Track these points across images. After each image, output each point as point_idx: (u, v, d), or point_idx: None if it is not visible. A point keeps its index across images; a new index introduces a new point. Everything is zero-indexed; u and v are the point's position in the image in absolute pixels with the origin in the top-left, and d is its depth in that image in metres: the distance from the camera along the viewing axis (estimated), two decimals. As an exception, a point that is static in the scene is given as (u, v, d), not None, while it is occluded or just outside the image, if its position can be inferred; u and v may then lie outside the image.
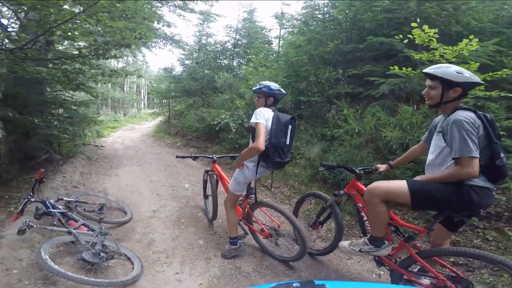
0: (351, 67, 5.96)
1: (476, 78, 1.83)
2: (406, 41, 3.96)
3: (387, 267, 2.30)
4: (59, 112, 6.69)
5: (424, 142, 2.31)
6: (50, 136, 5.81)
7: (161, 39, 11.26)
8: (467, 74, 1.81)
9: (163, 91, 15.25)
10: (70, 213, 3.23)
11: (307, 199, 3.57)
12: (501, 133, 3.42)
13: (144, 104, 32.78)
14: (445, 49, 3.64)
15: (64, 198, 3.66)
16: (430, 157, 2.00)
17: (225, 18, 12.18)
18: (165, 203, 4.52)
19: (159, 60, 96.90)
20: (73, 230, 2.79)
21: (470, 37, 3.44)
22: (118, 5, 4.18)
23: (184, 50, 12.90)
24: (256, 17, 13.25)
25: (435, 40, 3.65)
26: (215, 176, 3.59)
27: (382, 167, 2.57)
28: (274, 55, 10.37)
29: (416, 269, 2.22)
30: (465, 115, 1.75)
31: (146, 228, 3.63)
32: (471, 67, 3.59)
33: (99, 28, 4.56)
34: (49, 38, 4.30)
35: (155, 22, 8.12)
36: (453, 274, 2.06)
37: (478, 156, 1.71)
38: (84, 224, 3.04)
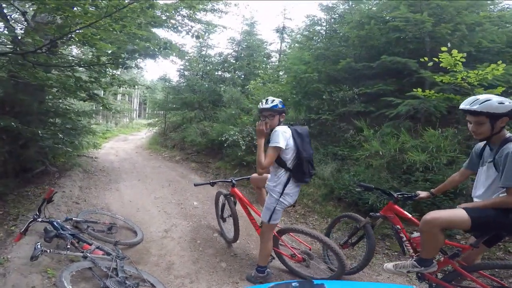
0: (360, 85, 6.02)
1: None
2: (431, 63, 4.01)
3: (427, 281, 2.37)
4: (58, 122, 6.49)
5: (466, 169, 2.43)
6: (48, 147, 5.60)
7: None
8: (507, 103, 1.90)
9: (160, 102, 15.14)
10: (82, 235, 3.06)
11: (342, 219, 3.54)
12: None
13: (136, 114, 32.43)
14: (469, 72, 3.71)
15: (73, 218, 3.49)
16: (480, 187, 2.11)
17: (226, 29, 12.34)
18: (175, 222, 4.37)
19: (153, 69, 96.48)
20: (89, 255, 2.63)
21: (498, 62, 3.52)
22: (148, 10, 4.04)
23: (186, 61, 12.91)
24: (257, 30, 13.46)
25: (461, 64, 3.72)
26: (232, 198, 3.49)
27: (423, 193, 2.66)
28: (272, 70, 10.46)
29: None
30: None
31: (161, 249, 3.47)
32: (496, 91, 3.67)
33: (122, 35, 4.43)
34: (67, 42, 4.17)
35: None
36: (499, 285, 2.24)
37: None
38: (98, 247, 2.87)
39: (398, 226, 2.62)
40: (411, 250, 2.49)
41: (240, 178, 3.60)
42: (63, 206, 4.47)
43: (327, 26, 7.52)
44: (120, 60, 4.67)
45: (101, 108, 6.72)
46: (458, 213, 1.98)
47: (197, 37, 5.28)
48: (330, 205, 4.92)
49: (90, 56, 5.64)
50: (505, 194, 1.90)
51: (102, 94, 6.87)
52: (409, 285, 2.94)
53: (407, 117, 5.08)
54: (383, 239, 3.86)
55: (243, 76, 12.30)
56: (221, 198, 3.79)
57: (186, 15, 7.47)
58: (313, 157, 2.82)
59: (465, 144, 4.08)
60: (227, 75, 12.86)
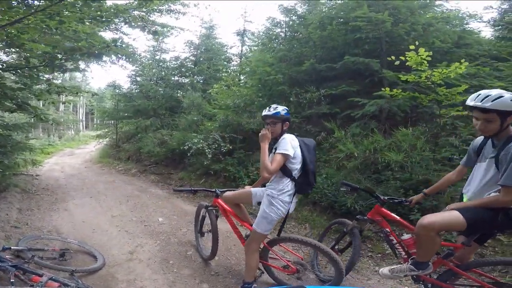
0: (323, 87, 6.15)
1: None
2: (397, 62, 4.18)
3: (422, 282, 2.39)
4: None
5: (464, 166, 2.42)
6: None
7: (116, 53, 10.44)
8: None
9: (110, 110, 14.11)
10: (27, 266, 2.57)
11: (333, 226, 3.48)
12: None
13: (83, 125, 29.94)
14: (434, 71, 3.93)
15: (12, 247, 2.96)
16: (475, 183, 2.11)
17: (183, 31, 11.96)
18: (141, 242, 3.96)
19: (101, 76, 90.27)
20: (42, 289, 2.19)
21: (461, 60, 3.77)
22: (93, 3, 3.55)
23: (138, 66, 12.20)
24: (217, 33, 13.28)
25: (426, 62, 3.92)
26: (215, 211, 3.27)
27: (416, 197, 2.66)
28: (234, 73, 10.36)
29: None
30: None
31: (128, 274, 3.08)
32: (459, 89, 3.93)
33: (58, 32, 3.87)
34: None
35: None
36: (492, 281, 2.27)
37: None
38: (52, 279, 2.42)
39: (387, 229, 2.61)
40: (403, 253, 2.49)
41: (226, 189, 3.36)
42: (0, 232, 3.80)
43: (286, 29, 7.59)
44: (56, 62, 4.12)
45: (33, 119, 5.88)
46: (454, 216, 1.99)
47: (155, 33, 4.89)
48: (306, 210, 4.88)
49: (16, 58, 4.88)
50: (498, 193, 1.93)
51: (41, 104, 6.02)
52: None
53: (372, 117, 5.27)
54: (365, 241, 3.87)
55: (202, 80, 11.98)
56: (202, 211, 3.53)
57: (138, 16, 7.00)
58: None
59: (433, 142, 4.30)
60: (185, 80, 12.42)
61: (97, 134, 14.62)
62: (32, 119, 5.87)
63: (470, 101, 1.96)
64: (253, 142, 6.79)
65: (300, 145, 2.52)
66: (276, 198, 2.51)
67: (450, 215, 2.02)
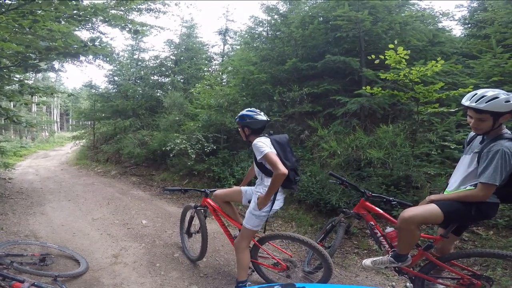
0: (305, 85, 6.25)
1: None
2: (377, 61, 4.32)
3: (407, 275, 2.51)
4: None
5: None
6: None
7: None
8: None
9: (86, 111, 13.71)
10: (6, 272, 2.50)
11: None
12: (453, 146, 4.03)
13: (57, 127, 28.78)
14: (412, 69, 4.10)
15: (-12, 254, 2.85)
16: (458, 174, 2.24)
17: (163, 31, 11.73)
18: (125, 245, 3.91)
19: (76, 76, 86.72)
20: (24, 296, 2.15)
21: (438, 58, 3.95)
22: (70, 2, 3.44)
23: (116, 65, 11.90)
24: (198, 32, 13.15)
25: (404, 61, 4.08)
26: (203, 211, 3.28)
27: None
28: (216, 72, 10.33)
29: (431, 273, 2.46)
30: (510, 147, 1.94)
31: (114, 278, 3.06)
32: (436, 87, 4.12)
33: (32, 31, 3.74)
34: None
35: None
36: (471, 273, 2.39)
37: (497, 184, 1.96)
38: (34, 284, 2.37)
39: (372, 223, 2.72)
40: (387, 246, 2.60)
41: (215, 189, 3.37)
42: (-28, 240, 3.66)
43: (269, 27, 7.65)
44: (29, 61, 3.99)
45: (3, 121, 5.66)
46: (433, 209, 2.12)
47: (135, 32, 4.79)
48: (292, 208, 4.96)
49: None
50: (474, 187, 2.06)
51: (11, 106, 5.78)
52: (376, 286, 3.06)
53: (353, 115, 5.43)
54: (351, 238, 3.99)
55: (183, 80, 11.84)
56: (190, 211, 3.53)
57: (118, 15, 6.83)
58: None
59: (412, 138, 4.49)
60: (166, 79, 12.24)
61: (74, 136, 14.17)
62: (4, 121, 5.63)
63: (465, 101, 2.05)
64: (237, 141, 6.82)
65: (272, 144, 2.56)
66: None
67: (429, 208, 2.14)
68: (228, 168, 6.26)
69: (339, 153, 4.60)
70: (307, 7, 7.24)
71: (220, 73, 10.01)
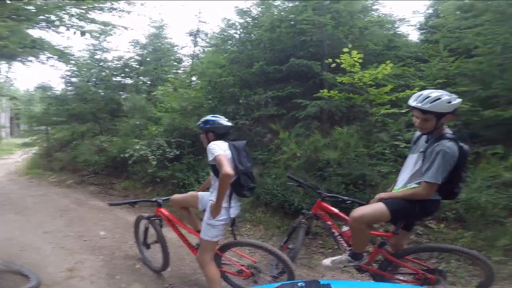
0: (271, 89, 6.37)
1: (459, 100, 2.12)
2: (334, 65, 4.50)
3: (367, 273, 2.61)
4: None
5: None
6: None
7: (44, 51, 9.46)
8: (455, 101, 2.09)
9: (39, 115, 12.79)
10: None
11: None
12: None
13: (7, 132, 26.48)
14: (365, 72, 4.33)
15: None
16: (405, 173, 2.37)
17: (127, 30, 11.20)
18: (81, 258, 3.72)
19: (28, 76, 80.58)
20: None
21: (387, 62, 4.20)
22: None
23: (74, 66, 11.23)
24: (167, 33, 12.82)
25: (358, 64, 4.29)
26: (158, 221, 3.21)
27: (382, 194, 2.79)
28: (185, 74, 10.16)
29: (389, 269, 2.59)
30: (451, 147, 2.08)
31: (70, 294, 2.88)
32: (386, 89, 4.38)
33: None
34: None
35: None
36: (425, 268, 2.53)
37: (439, 183, 2.09)
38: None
39: (329, 223, 2.80)
40: (345, 244, 2.70)
41: (166, 197, 3.29)
42: None
43: (241, 30, 7.68)
44: None
45: None
46: (380, 208, 2.24)
47: (83, 33, 4.58)
48: (259, 211, 5.00)
49: None
50: (418, 186, 2.19)
51: None
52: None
53: (314, 118, 5.61)
54: (315, 238, 4.10)
55: (149, 82, 11.49)
56: (143, 222, 3.42)
57: (75, 13, 6.50)
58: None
59: (366, 139, 4.73)
60: (129, 81, 11.78)
61: (24, 142, 13.16)
62: None
63: (412, 101, 2.17)
64: (202, 146, 6.72)
65: (229, 147, 2.57)
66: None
67: (377, 207, 2.26)
68: (194, 174, 6.16)
69: (299, 155, 4.73)
70: (277, 11, 7.40)
71: (189, 75, 9.85)
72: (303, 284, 1.12)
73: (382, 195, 2.35)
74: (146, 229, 3.41)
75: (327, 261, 2.58)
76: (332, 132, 5.01)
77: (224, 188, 2.42)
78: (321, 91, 4.94)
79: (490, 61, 4.19)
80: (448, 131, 2.23)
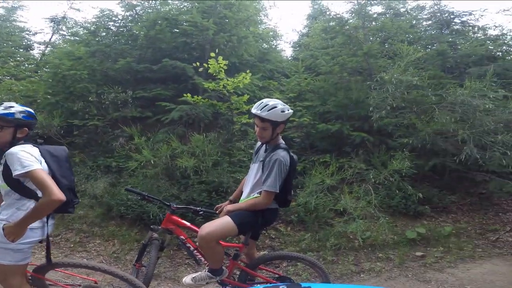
0: (140, 88, 5.93)
1: (291, 110, 2.25)
2: (201, 69, 4.42)
3: (230, 286, 2.50)
4: None
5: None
6: None
7: None
8: (287, 111, 2.19)
9: None
10: None
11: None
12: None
13: None
14: (228, 80, 4.37)
15: None
16: (249, 183, 2.38)
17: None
18: None
19: None
20: None
21: (247, 71, 4.33)
22: None
23: None
24: (20, 16, 10.65)
25: (223, 71, 4.30)
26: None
27: (223, 205, 2.69)
28: (34, 64, 8.54)
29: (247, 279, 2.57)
30: (284, 156, 2.18)
31: None
32: (243, 99, 4.52)
33: None
34: None
35: None
36: (277, 276, 2.69)
37: (278, 191, 2.17)
38: None
39: (182, 237, 2.56)
40: (203, 259, 2.51)
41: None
42: None
43: (122, 22, 7.05)
44: None
45: None
46: (227, 224, 2.17)
47: None
48: (112, 225, 4.49)
49: None
50: (259, 195, 2.21)
51: None
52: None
53: (181, 123, 5.41)
54: (180, 249, 3.87)
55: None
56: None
57: None
58: (80, 172, 2.29)
59: (226, 146, 4.78)
60: None
61: None
62: None
63: (253, 109, 2.18)
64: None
65: (44, 156, 2.05)
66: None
67: (223, 223, 2.19)
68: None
69: (153, 162, 4.42)
70: (166, 8, 7.03)
71: (36, 66, 8.27)
72: (285, 287, 1.21)
73: (229, 207, 2.31)
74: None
75: (187, 279, 2.38)
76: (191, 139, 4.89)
77: (42, 215, 1.95)
78: (184, 95, 4.76)
79: (329, 79, 4.83)
80: (282, 141, 2.33)
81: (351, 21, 5.79)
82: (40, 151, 2.04)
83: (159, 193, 4.30)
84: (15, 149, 1.93)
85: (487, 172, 4.52)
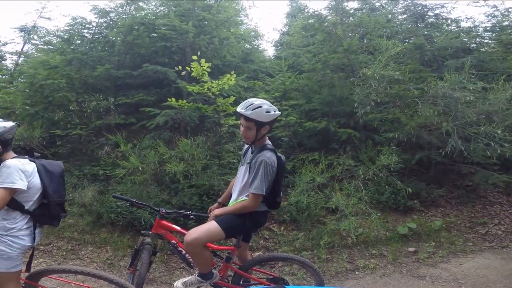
0: (121, 95, 5.83)
1: (277, 112, 2.23)
2: (184, 73, 4.39)
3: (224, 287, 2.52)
4: None
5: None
6: None
7: None
8: (273, 112, 2.18)
9: None
10: None
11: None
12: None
13: None
14: (212, 82, 4.37)
15: None
16: (238, 186, 2.37)
17: None
18: None
19: None
20: None
21: (231, 73, 4.33)
22: None
23: None
24: None
25: (207, 73, 4.29)
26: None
27: (213, 207, 2.69)
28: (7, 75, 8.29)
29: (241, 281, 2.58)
30: (270, 157, 2.16)
31: None
32: (229, 101, 4.53)
33: None
34: None
35: None
36: (271, 277, 2.69)
37: (264, 193, 2.16)
38: None
39: (174, 241, 2.58)
40: None
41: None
42: None
43: (96, 29, 6.88)
44: None
45: None
46: (213, 228, 2.17)
47: None
48: (103, 232, 4.45)
49: None
50: (247, 198, 2.21)
51: None
52: None
53: (168, 128, 5.36)
54: (174, 253, 3.81)
55: None
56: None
57: None
58: (67, 181, 2.27)
59: (214, 149, 4.77)
60: None
61: None
62: None
63: (238, 108, 2.16)
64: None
65: (39, 171, 2.11)
66: (6, 236, 2.02)
67: (210, 228, 2.18)
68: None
69: (141, 169, 4.38)
70: (140, 13, 6.87)
71: (11, 76, 8.04)
72: None
73: (217, 211, 2.30)
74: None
75: (178, 284, 2.37)
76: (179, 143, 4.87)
77: None
78: (168, 99, 4.72)
79: (313, 77, 4.90)
80: (268, 142, 2.33)
81: (329, 17, 5.85)
82: (36, 166, 2.11)
83: (149, 199, 4.27)
84: (12, 162, 2.01)
85: (472, 164, 4.64)
